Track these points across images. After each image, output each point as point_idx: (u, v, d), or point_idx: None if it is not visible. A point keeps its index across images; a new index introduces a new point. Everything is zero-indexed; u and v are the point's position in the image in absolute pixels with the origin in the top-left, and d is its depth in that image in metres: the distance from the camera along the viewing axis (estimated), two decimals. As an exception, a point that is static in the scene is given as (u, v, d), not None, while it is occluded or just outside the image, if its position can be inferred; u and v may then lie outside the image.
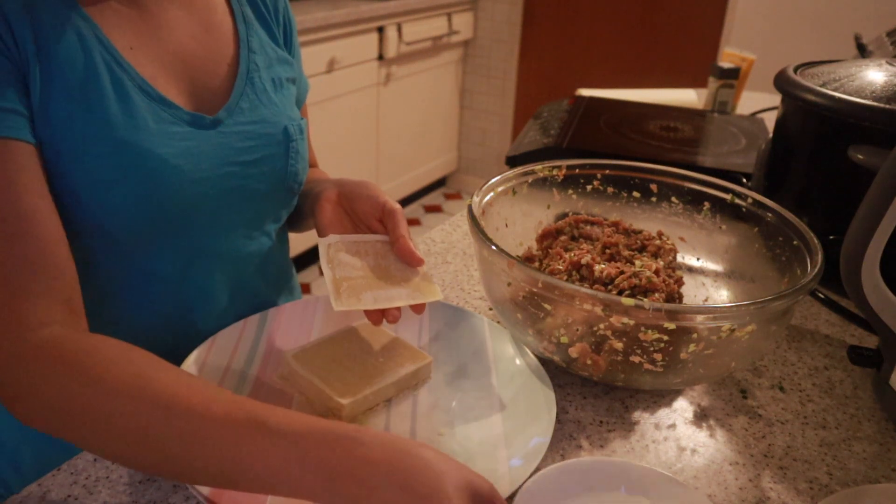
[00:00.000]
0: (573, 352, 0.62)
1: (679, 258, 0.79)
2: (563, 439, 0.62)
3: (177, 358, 0.64)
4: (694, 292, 0.78)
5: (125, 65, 0.63)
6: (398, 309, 0.64)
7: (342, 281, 0.64)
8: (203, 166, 0.67)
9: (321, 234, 0.70)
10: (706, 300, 0.78)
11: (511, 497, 0.53)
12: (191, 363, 0.65)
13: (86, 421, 0.50)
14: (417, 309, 0.65)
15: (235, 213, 0.72)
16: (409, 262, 0.67)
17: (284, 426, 0.47)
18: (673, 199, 0.81)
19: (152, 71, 0.66)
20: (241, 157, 0.70)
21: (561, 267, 0.71)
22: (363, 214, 0.71)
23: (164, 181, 0.64)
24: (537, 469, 0.55)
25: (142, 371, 0.51)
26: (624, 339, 0.60)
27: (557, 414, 0.64)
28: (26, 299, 0.54)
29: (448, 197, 3.63)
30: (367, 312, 0.63)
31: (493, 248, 0.63)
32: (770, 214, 0.74)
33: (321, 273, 0.66)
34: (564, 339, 0.62)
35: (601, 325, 0.60)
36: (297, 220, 0.85)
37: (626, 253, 0.74)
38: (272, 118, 0.73)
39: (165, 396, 0.49)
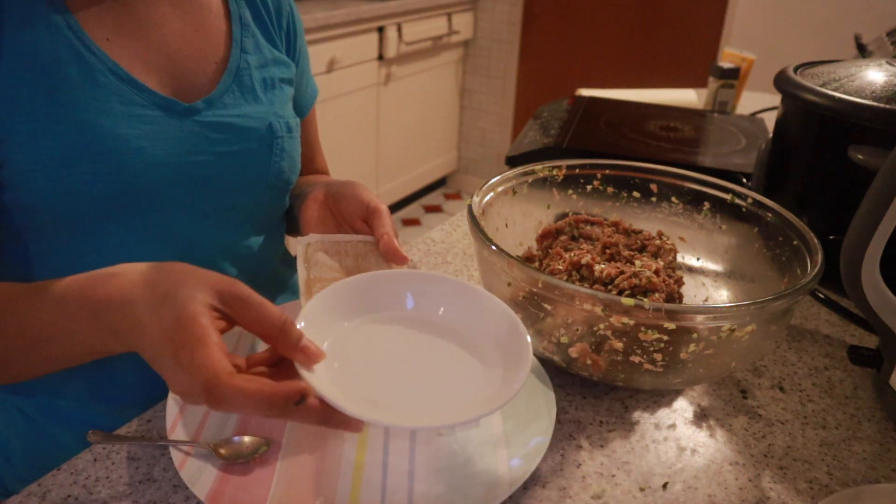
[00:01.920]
0: (573, 352, 0.62)
1: (679, 258, 0.79)
2: (563, 439, 0.62)
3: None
4: (694, 292, 0.78)
5: (96, 50, 0.63)
6: None
7: (315, 282, 0.61)
8: (170, 151, 0.67)
9: (303, 234, 0.70)
10: (706, 300, 0.78)
11: (514, 497, 0.53)
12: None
13: None
14: None
15: (210, 203, 0.71)
16: (394, 260, 0.65)
17: (55, 287, 0.53)
18: (673, 199, 0.81)
19: (129, 62, 0.66)
20: (217, 148, 0.70)
21: (561, 267, 0.71)
22: (348, 214, 0.70)
23: (126, 161, 0.64)
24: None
25: None
26: (624, 339, 0.60)
27: (557, 414, 0.64)
28: None
29: (448, 197, 3.63)
30: None
31: (493, 248, 0.63)
32: (770, 214, 0.74)
33: None
34: (564, 339, 0.62)
35: (601, 325, 0.60)
36: (293, 225, 0.85)
37: (626, 253, 0.74)
38: (257, 114, 0.73)
39: None
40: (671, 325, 0.57)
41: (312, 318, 0.52)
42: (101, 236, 0.66)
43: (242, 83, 0.73)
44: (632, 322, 0.58)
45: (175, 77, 0.69)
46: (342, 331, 0.55)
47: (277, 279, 0.85)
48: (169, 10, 0.69)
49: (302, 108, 0.86)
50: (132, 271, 0.50)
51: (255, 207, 0.76)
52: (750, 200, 0.76)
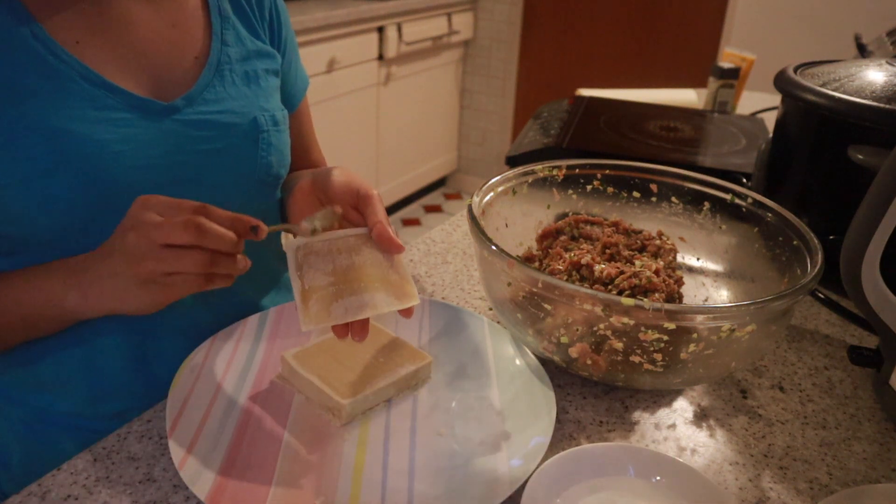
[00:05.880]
0: (573, 352, 0.62)
1: (679, 258, 0.79)
2: (563, 439, 0.62)
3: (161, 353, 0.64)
4: (694, 292, 0.78)
5: (64, 56, 0.62)
6: (366, 326, 0.59)
7: (311, 292, 0.59)
8: (151, 153, 0.66)
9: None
10: (706, 300, 0.78)
11: (513, 496, 0.53)
12: (191, 363, 0.65)
13: None
14: (405, 313, 0.61)
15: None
16: (388, 248, 0.62)
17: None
18: (673, 199, 0.81)
19: (102, 64, 0.65)
20: (199, 146, 0.69)
21: (561, 267, 0.71)
22: (337, 203, 0.67)
23: (104, 167, 0.63)
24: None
25: None
26: (624, 339, 0.60)
27: (557, 414, 0.64)
28: None
29: (448, 197, 3.63)
30: (335, 328, 0.59)
31: (493, 248, 0.63)
32: (770, 214, 0.73)
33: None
34: (564, 339, 0.62)
35: (601, 325, 0.60)
36: (286, 219, 0.82)
37: (626, 253, 0.74)
38: (240, 109, 0.72)
39: None
40: (671, 325, 0.57)
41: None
42: (87, 247, 0.65)
43: (224, 77, 0.71)
44: (632, 322, 0.58)
45: (152, 75, 0.68)
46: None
47: (272, 275, 0.84)
48: (143, 7, 0.68)
49: (292, 98, 0.84)
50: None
51: (244, 204, 0.74)
52: (750, 200, 0.76)
